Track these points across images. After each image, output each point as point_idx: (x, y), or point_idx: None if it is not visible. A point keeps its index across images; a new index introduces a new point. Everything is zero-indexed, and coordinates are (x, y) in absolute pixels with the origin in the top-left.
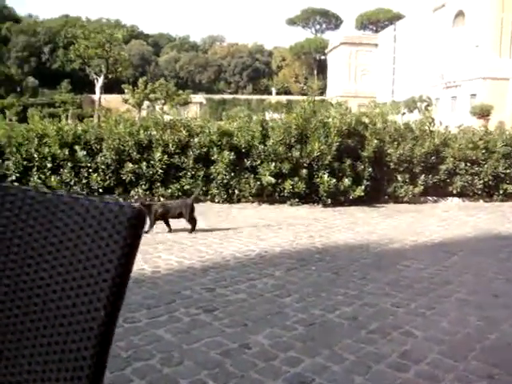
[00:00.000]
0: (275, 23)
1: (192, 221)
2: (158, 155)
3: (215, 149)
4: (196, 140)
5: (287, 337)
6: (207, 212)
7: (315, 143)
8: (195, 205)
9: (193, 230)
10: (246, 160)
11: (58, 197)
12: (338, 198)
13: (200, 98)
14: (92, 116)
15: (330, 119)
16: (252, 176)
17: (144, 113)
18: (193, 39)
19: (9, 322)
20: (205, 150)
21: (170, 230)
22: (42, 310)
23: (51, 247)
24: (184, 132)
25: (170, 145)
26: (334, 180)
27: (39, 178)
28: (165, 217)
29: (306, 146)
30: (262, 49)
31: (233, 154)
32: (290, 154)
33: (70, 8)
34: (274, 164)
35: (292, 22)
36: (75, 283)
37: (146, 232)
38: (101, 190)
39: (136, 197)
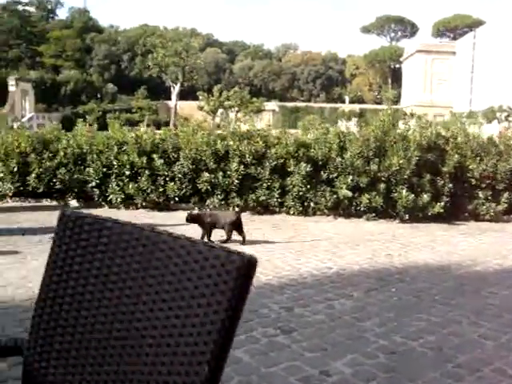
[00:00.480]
0: (349, 31)
1: (242, 233)
2: (234, 165)
3: (292, 160)
4: (273, 151)
5: (368, 365)
6: (282, 224)
7: (394, 157)
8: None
9: (244, 241)
10: (322, 172)
11: (158, 235)
12: (416, 214)
13: (273, 105)
14: (168, 123)
15: (410, 132)
16: (328, 189)
17: (217, 119)
18: (267, 47)
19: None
20: (281, 161)
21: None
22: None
23: (150, 287)
24: (261, 143)
25: (247, 155)
26: (413, 195)
27: (117, 184)
28: (212, 227)
29: (385, 160)
30: (336, 57)
31: (309, 165)
32: (367, 168)
33: (148, 17)
34: (351, 177)
35: (366, 29)
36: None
37: None
38: (177, 199)
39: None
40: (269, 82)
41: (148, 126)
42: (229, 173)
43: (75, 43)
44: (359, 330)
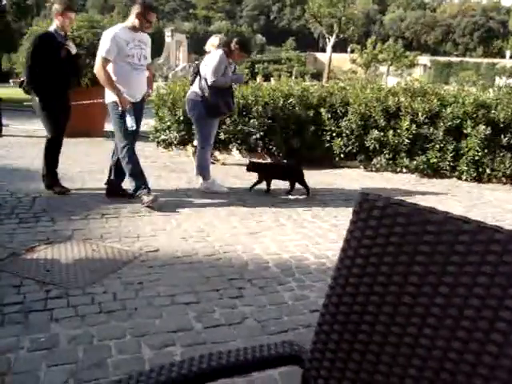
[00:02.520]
0: None
1: (305, 185)
2: (405, 124)
3: (469, 122)
4: (448, 110)
5: None
6: (454, 190)
7: None
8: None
9: (308, 192)
10: (502, 136)
11: (461, 223)
12: None
13: (425, 60)
14: (316, 74)
15: None
16: (509, 155)
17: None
18: None
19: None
20: (457, 122)
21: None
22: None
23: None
24: (435, 101)
25: (420, 114)
26: None
27: (282, 137)
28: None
29: None
30: (499, 6)
31: (489, 128)
32: None
33: None
34: None
35: None
36: None
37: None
38: (342, 156)
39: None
40: (421, 34)
41: (296, 77)
42: (399, 131)
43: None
44: None
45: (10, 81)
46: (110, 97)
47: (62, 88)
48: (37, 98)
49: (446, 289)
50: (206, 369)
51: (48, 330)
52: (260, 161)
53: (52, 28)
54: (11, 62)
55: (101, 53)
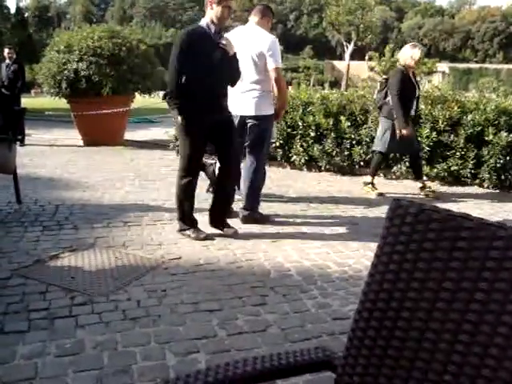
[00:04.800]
0: None
1: None
2: (425, 131)
3: (490, 129)
4: (469, 117)
5: None
6: (476, 198)
7: None
8: None
9: None
10: None
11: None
12: None
13: (443, 66)
14: (333, 82)
15: None
16: None
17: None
18: (439, 3)
19: None
20: (478, 129)
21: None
22: None
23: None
24: (456, 108)
25: (440, 121)
26: None
27: (301, 146)
28: None
29: None
30: None
31: (511, 135)
32: None
33: None
34: None
35: None
36: None
37: None
38: (362, 163)
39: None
40: (439, 41)
41: (314, 85)
42: (419, 139)
43: (243, 4)
44: None
45: (32, 91)
46: (270, 108)
47: (222, 102)
48: (179, 117)
49: (482, 295)
50: (238, 375)
51: (73, 336)
52: None
53: (204, 22)
54: (33, 72)
55: (278, 62)
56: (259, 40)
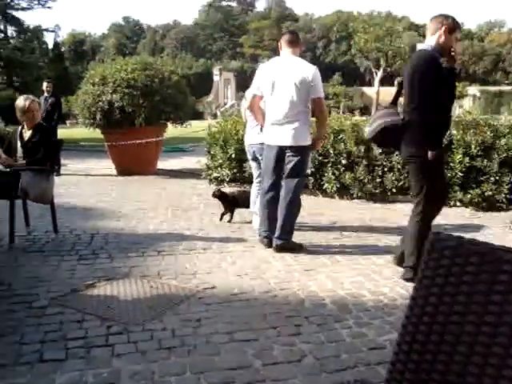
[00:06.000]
0: None
1: None
2: (458, 157)
3: None
4: (503, 142)
5: None
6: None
7: None
8: None
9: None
10: None
11: None
12: None
13: (473, 90)
14: (363, 109)
15: None
16: None
17: None
18: (467, 26)
19: None
20: None
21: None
22: None
23: None
24: (489, 133)
25: (473, 146)
26: None
27: (333, 173)
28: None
29: None
30: None
31: None
32: None
33: (342, 3)
34: None
35: None
36: None
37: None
38: (394, 190)
39: None
40: (469, 64)
41: (343, 112)
42: (452, 165)
43: (272, 33)
44: None
45: (67, 122)
46: (308, 139)
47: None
48: (411, 150)
49: None
50: None
51: (110, 365)
52: (227, 190)
53: (429, 46)
54: (68, 104)
55: (321, 92)
56: (302, 70)
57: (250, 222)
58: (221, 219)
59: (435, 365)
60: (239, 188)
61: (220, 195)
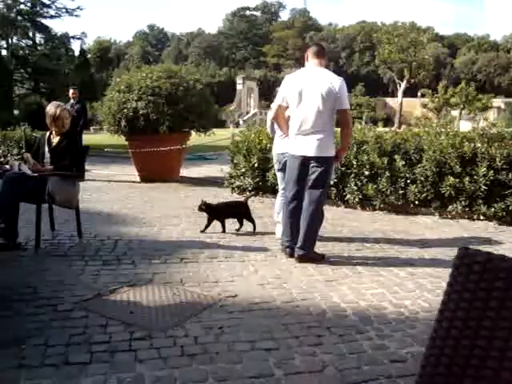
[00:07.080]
0: None
1: (252, 221)
2: (482, 170)
3: None
4: None
5: None
6: None
7: None
8: None
9: (254, 228)
10: None
11: None
12: None
13: (498, 102)
14: (386, 119)
15: None
16: None
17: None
18: (493, 38)
19: None
20: None
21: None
22: None
23: None
24: None
25: (497, 159)
26: None
27: (356, 184)
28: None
29: None
30: None
31: None
32: None
33: (366, 14)
34: None
35: None
36: None
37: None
38: (417, 203)
39: None
40: (494, 76)
41: (366, 123)
42: (475, 178)
43: (296, 42)
44: None
45: (91, 128)
46: (332, 150)
47: None
48: None
49: None
50: None
51: (133, 370)
52: (211, 202)
53: None
54: (93, 110)
55: (347, 104)
56: (329, 81)
57: (273, 233)
58: (203, 231)
59: (463, 379)
60: (225, 200)
61: (205, 208)
